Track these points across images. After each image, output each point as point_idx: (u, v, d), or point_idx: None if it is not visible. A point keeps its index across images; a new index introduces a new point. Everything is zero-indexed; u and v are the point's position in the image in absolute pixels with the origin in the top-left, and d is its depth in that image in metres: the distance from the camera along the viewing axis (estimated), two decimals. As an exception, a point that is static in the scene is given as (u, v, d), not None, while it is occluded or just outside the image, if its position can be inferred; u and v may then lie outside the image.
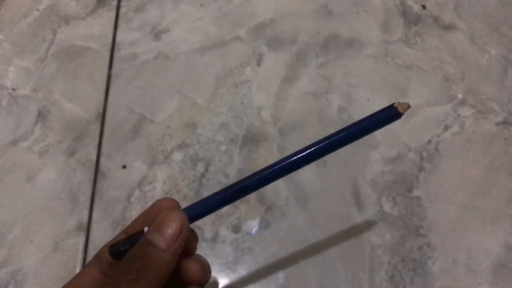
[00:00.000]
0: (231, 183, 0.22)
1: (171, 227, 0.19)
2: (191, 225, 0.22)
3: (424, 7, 0.45)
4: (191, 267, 0.21)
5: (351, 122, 0.40)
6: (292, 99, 0.41)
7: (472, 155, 0.38)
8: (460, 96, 0.41)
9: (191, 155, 0.39)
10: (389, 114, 0.21)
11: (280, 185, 0.38)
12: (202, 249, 0.36)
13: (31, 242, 0.37)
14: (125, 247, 0.21)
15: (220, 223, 0.37)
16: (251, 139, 0.40)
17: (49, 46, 0.45)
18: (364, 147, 0.39)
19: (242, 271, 0.35)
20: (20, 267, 0.36)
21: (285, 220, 0.37)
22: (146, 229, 0.21)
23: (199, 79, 0.43)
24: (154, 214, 0.22)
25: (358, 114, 0.40)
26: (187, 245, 0.21)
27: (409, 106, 0.20)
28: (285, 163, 0.21)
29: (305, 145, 0.21)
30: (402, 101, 0.20)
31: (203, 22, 0.46)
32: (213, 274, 0.35)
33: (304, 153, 0.22)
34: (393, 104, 0.20)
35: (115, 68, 0.44)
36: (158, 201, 0.23)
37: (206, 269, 0.22)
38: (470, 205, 0.36)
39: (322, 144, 0.22)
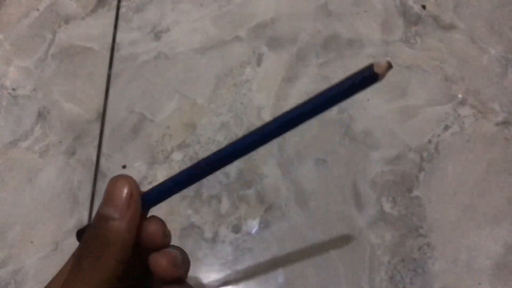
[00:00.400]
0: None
1: (120, 194, 0.18)
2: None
3: (424, 7, 0.45)
4: (159, 262, 0.19)
5: (351, 121, 0.40)
6: (292, 99, 0.41)
7: (472, 155, 0.38)
8: (460, 96, 0.41)
9: (191, 155, 0.39)
10: (365, 76, 0.17)
11: (280, 185, 0.38)
12: (202, 249, 0.36)
13: (31, 242, 0.37)
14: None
15: (220, 223, 0.37)
16: (251, 139, 0.40)
17: (49, 46, 0.45)
18: (364, 147, 0.39)
19: (242, 271, 0.35)
20: (20, 267, 0.36)
21: (285, 220, 0.37)
22: None
23: (199, 79, 0.43)
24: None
25: (358, 114, 0.40)
26: (154, 236, 0.20)
27: (390, 66, 0.16)
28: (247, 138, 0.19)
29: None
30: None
31: (203, 22, 0.46)
32: (213, 274, 0.35)
33: (277, 122, 0.19)
34: (371, 64, 0.16)
35: (115, 68, 0.44)
36: (113, 178, 0.20)
37: (176, 263, 0.20)
38: (470, 205, 0.36)
39: (291, 114, 0.18)
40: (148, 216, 0.21)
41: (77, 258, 0.18)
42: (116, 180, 0.19)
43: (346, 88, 0.17)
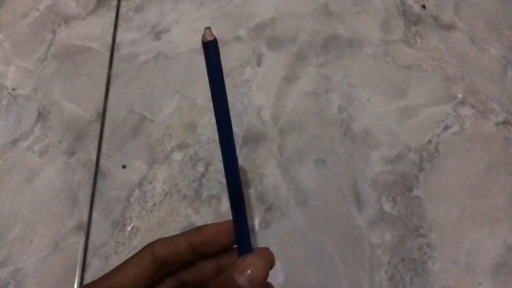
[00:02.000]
0: (226, 189, 0.22)
1: (260, 277, 0.20)
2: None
3: (424, 7, 0.45)
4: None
5: (351, 121, 0.40)
6: (292, 99, 0.41)
7: (472, 155, 0.38)
8: (460, 96, 0.41)
9: (191, 155, 0.39)
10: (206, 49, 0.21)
11: (280, 185, 0.38)
12: (202, 249, 0.36)
13: (31, 242, 0.37)
14: None
15: (220, 223, 0.37)
16: (251, 139, 0.40)
17: (49, 46, 0.45)
18: (364, 147, 0.39)
19: (242, 271, 0.35)
20: (20, 267, 0.36)
21: (285, 220, 0.37)
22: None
23: (199, 79, 0.43)
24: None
25: (358, 114, 0.40)
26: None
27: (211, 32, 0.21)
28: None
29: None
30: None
31: (203, 21, 0.46)
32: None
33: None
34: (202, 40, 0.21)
35: (115, 68, 0.44)
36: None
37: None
38: (470, 205, 0.36)
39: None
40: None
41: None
42: (262, 262, 0.21)
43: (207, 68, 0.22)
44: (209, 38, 0.21)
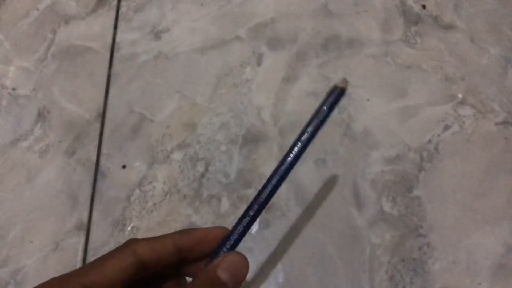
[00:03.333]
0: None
1: (242, 275, 0.21)
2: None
3: (424, 7, 0.45)
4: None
5: (351, 121, 0.40)
6: (292, 99, 0.41)
7: (472, 155, 0.38)
8: (460, 96, 0.41)
9: (191, 155, 0.39)
10: (336, 94, 0.22)
11: (280, 185, 0.38)
12: (202, 249, 0.36)
13: (31, 242, 0.37)
14: None
15: (220, 224, 0.37)
16: (251, 139, 0.40)
17: (49, 46, 0.45)
18: (364, 147, 0.39)
19: (242, 271, 0.35)
20: (20, 267, 0.36)
21: (285, 220, 0.37)
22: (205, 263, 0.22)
23: (199, 79, 0.43)
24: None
25: (358, 114, 0.40)
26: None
27: (347, 81, 0.22)
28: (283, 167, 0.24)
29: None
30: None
31: (203, 21, 0.46)
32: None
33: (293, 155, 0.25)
34: (335, 85, 0.22)
35: (115, 68, 0.44)
36: (241, 255, 0.22)
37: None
38: (470, 205, 0.36)
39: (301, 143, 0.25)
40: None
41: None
42: (244, 260, 0.21)
43: (327, 111, 0.23)
44: (343, 85, 0.22)
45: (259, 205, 0.24)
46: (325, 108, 0.22)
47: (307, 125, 0.24)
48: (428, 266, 0.35)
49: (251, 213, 0.23)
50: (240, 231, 0.23)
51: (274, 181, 0.24)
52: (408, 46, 0.43)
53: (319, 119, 0.23)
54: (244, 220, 0.23)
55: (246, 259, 0.21)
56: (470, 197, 0.37)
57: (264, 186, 0.24)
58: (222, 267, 0.20)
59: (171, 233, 0.22)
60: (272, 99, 0.41)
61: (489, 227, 0.36)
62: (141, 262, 0.20)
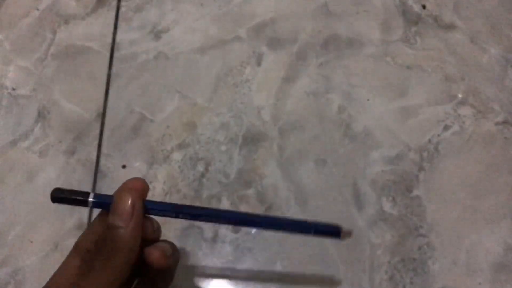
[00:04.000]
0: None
1: (124, 205, 0.22)
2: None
3: (424, 7, 0.45)
4: (153, 254, 0.23)
5: (351, 121, 0.40)
6: (292, 99, 0.41)
7: (472, 155, 0.38)
8: (460, 96, 0.41)
9: (191, 155, 0.39)
10: (331, 231, 0.24)
11: (280, 185, 0.38)
12: (202, 249, 0.36)
13: (31, 242, 0.37)
14: (66, 195, 0.24)
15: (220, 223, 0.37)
16: (251, 139, 0.40)
17: (49, 46, 0.45)
18: (364, 147, 0.39)
19: (242, 271, 0.35)
20: (20, 267, 0.36)
21: (285, 220, 0.37)
22: (91, 194, 0.24)
23: (199, 79, 0.43)
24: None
25: (358, 113, 0.40)
26: (146, 232, 0.23)
27: (351, 235, 0.24)
28: (233, 215, 0.25)
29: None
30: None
31: (203, 22, 0.46)
32: (213, 274, 0.35)
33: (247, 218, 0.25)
34: (338, 227, 0.23)
35: (115, 68, 0.44)
36: (126, 181, 0.24)
37: (166, 255, 0.24)
38: (470, 205, 0.36)
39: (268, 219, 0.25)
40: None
41: (90, 260, 0.22)
42: (121, 192, 0.22)
43: (311, 229, 0.24)
44: (344, 235, 0.24)
45: (191, 216, 0.25)
46: (312, 232, 0.24)
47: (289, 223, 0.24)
48: (428, 266, 0.35)
49: (180, 216, 0.24)
50: (161, 214, 0.24)
51: (217, 216, 0.24)
52: (408, 46, 0.43)
53: (299, 230, 0.24)
54: (175, 213, 0.24)
55: (123, 194, 0.22)
56: (470, 197, 0.37)
57: (211, 212, 0.25)
58: (110, 213, 0.22)
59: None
60: (272, 99, 0.41)
61: (489, 227, 0.36)
62: (84, 250, 0.23)
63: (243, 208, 0.37)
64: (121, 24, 0.46)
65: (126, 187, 0.23)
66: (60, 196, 0.24)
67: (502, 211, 0.36)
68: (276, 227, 0.24)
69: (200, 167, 0.39)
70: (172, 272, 0.26)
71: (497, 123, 0.39)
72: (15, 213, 0.38)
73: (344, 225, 0.24)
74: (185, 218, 0.25)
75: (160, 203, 0.25)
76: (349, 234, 0.23)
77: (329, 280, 0.34)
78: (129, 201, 0.22)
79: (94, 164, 0.39)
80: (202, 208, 0.24)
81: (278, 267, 0.35)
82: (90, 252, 0.22)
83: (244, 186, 0.38)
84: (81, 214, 0.38)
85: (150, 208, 0.24)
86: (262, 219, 0.25)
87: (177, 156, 0.39)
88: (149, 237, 0.24)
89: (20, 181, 0.39)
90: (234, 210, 0.24)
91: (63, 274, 0.22)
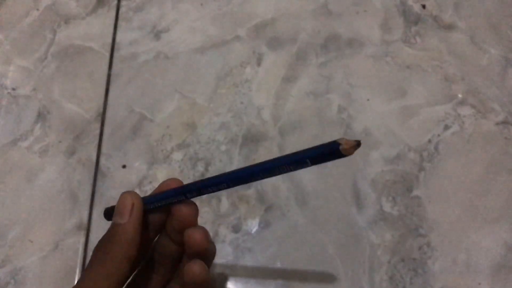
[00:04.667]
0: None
1: (124, 206, 0.23)
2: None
3: (424, 7, 0.45)
4: (195, 236, 0.24)
5: (351, 121, 0.40)
6: (292, 99, 0.41)
7: (472, 155, 0.38)
8: (460, 96, 0.41)
9: (191, 155, 0.39)
10: (330, 149, 0.19)
11: (280, 185, 0.38)
12: (202, 249, 0.36)
13: (31, 242, 0.37)
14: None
15: (220, 223, 0.37)
16: (251, 139, 0.40)
17: (49, 46, 0.45)
18: (364, 147, 0.39)
19: (242, 271, 0.35)
20: (20, 267, 0.36)
21: (285, 220, 0.37)
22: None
23: (199, 79, 0.43)
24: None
25: (358, 114, 0.40)
26: (184, 218, 0.24)
27: (359, 145, 0.18)
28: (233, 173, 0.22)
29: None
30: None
31: (203, 21, 0.46)
32: (213, 274, 0.35)
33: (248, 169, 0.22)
34: (337, 142, 0.18)
35: (115, 68, 0.44)
36: (163, 182, 0.25)
37: (208, 237, 0.24)
38: (470, 205, 0.36)
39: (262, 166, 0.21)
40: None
41: (92, 255, 0.23)
42: (123, 195, 0.24)
43: (309, 157, 0.19)
44: (346, 153, 0.18)
45: (198, 191, 0.23)
46: (308, 161, 0.19)
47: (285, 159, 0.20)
48: (428, 266, 0.35)
49: (188, 195, 0.23)
50: (162, 203, 0.24)
51: (225, 185, 0.22)
52: (408, 46, 0.43)
53: (295, 165, 0.19)
54: (178, 197, 0.24)
55: (124, 195, 0.24)
56: (470, 197, 0.37)
57: (217, 178, 0.22)
58: (113, 214, 0.24)
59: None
60: (272, 99, 0.41)
61: (489, 227, 0.36)
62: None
63: (243, 208, 0.37)
64: (121, 24, 0.46)
65: (126, 191, 0.24)
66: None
67: (502, 211, 0.36)
68: (271, 171, 0.21)
69: (200, 167, 0.39)
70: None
71: (497, 123, 0.39)
72: (15, 213, 0.38)
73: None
74: (186, 198, 0.24)
75: (156, 195, 0.25)
76: (353, 146, 0.18)
77: (329, 280, 0.34)
78: (128, 201, 0.23)
79: (94, 164, 0.39)
80: (194, 183, 0.23)
81: (278, 267, 0.35)
82: (95, 248, 0.23)
83: (244, 186, 0.38)
84: (81, 214, 0.38)
85: (149, 203, 0.24)
86: (256, 169, 0.21)
87: (177, 156, 0.39)
88: (190, 223, 0.24)
89: (20, 181, 0.39)
90: (223, 173, 0.22)
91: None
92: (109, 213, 0.26)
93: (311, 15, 0.45)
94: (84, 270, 0.23)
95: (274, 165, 0.20)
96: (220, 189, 0.22)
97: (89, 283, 0.21)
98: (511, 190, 0.37)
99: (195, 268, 0.23)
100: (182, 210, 0.24)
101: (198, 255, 0.24)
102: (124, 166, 0.39)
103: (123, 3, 0.47)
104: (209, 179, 0.23)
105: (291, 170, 0.20)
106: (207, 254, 0.25)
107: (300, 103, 0.41)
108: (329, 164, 0.38)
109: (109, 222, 0.24)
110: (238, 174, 0.22)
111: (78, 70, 0.44)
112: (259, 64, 0.43)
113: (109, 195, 0.38)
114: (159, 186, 0.25)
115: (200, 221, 0.37)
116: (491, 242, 0.35)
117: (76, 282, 0.23)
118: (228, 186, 0.22)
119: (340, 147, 0.18)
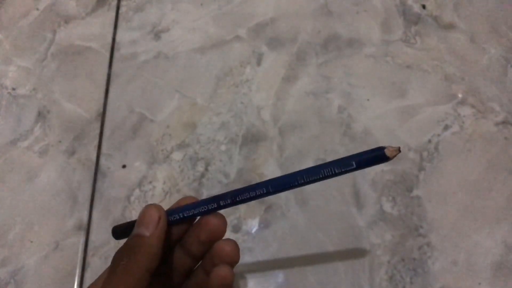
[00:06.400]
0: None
1: (151, 217, 0.23)
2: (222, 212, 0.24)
3: (424, 7, 0.45)
4: (225, 248, 0.24)
5: (351, 121, 0.40)
6: (292, 99, 0.41)
7: (472, 155, 0.38)
8: (460, 96, 0.41)
9: (191, 154, 0.39)
10: (376, 155, 0.20)
11: (280, 185, 0.38)
12: (202, 249, 0.36)
13: (31, 242, 0.37)
14: (123, 229, 0.25)
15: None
16: (251, 139, 0.40)
17: (49, 46, 0.45)
18: (364, 147, 0.39)
19: (242, 271, 0.35)
20: (20, 267, 0.36)
21: (285, 220, 0.37)
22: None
23: (199, 79, 0.43)
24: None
25: (358, 113, 0.40)
26: (214, 229, 0.24)
27: (399, 151, 0.20)
28: (269, 184, 0.22)
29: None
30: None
31: (203, 21, 0.46)
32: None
33: (288, 178, 0.22)
34: (382, 147, 0.20)
35: (115, 68, 0.44)
36: (181, 198, 0.26)
37: (238, 248, 0.24)
38: (470, 205, 0.36)
39: (304, 174, 0.22)
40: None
41: (112, 265, 0.22)
42: (149, 207, 0.24)
43: (357, 163, 0.21)
44: (391, 154, 0.20)
45: (233, 202, 0.23)
46: (353, 163, 0.21)
47: (329, 166, 0.22)
48: (428, 266, 0.35)
49: (222, 203, 0.23)
50: (193, 213, 0.24)
51: (264, 190, 0.22)
52: (408, 46, 0.43)
53: (341, 169, 0.21)
54: (209, 206, 0.23)
55: (150, 207, 0.23)
56: (470, 197, 0.37)
57: (252, 189, 0.22)
58: (136, 224, 0.23)
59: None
60: (272, 99, 0.41)
61: (489, 227, 0.36)
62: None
63: (243, 208, 0.37)
64: (121, 24, 0.46)
65: (152, 204, 0.24)
66: (121, 231, 0.25)
67: (502, 211, 0.36)
68: (316, 177, 0.22)
69: (200, 167, 0.39)
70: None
71: (497, 123, 0.39)
72: (15, 213, 0.38)
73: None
74: (216, 210, 0.23)
75: (181, 207, 0.24)
76: (395, 150, 0.20)
77: (329, 280, 0.34)
78: (156, 214, 0.23)
79: (94, 164, 0.39)
80: (225, 194, 0.23)
81: (278, 267, 0.35)
82: (115, 259, 0.23)
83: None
84: (81, 214, 0.38)
85: (173, 216, 0.24)
86: (300, 174, 0.22)
87: (177, 156, 0.39)
88: (219, 236, 0.24)
89: (20, 181, 0.39)
90: (261, 181, 0.22)
91: (96, 283, 0.24)
92: (117, 232, 0.26)
93: (311, 15, 0.45)
94: (103, 281, 0.22)
95: (319, 169, 0.22)
96: (257, 196, 0.22)
97: None
98: (511, 190, 0.37)
99: (225, 272, 0.23)
100: (211, 221, 0.24)
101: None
102: (124, 166, 0.39)
103: (123, 3, 0.47)
104: (245, 187, 0.22)
105: (336, 175, 0.21)
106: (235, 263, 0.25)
107: (300, 103, 0.41)
108: (329, 164, 0.38)
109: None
110: (281, 181, 0.22)
111: (78, 70, 0.44)
112: (259, 64, 0.43)
113: (109, 195, 0.38)
114: (178, 202, 0.25)
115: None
116: (491, 242, 0.35)
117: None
118: (269, 193, 0.22)
119: (385, 151, 0.20)
